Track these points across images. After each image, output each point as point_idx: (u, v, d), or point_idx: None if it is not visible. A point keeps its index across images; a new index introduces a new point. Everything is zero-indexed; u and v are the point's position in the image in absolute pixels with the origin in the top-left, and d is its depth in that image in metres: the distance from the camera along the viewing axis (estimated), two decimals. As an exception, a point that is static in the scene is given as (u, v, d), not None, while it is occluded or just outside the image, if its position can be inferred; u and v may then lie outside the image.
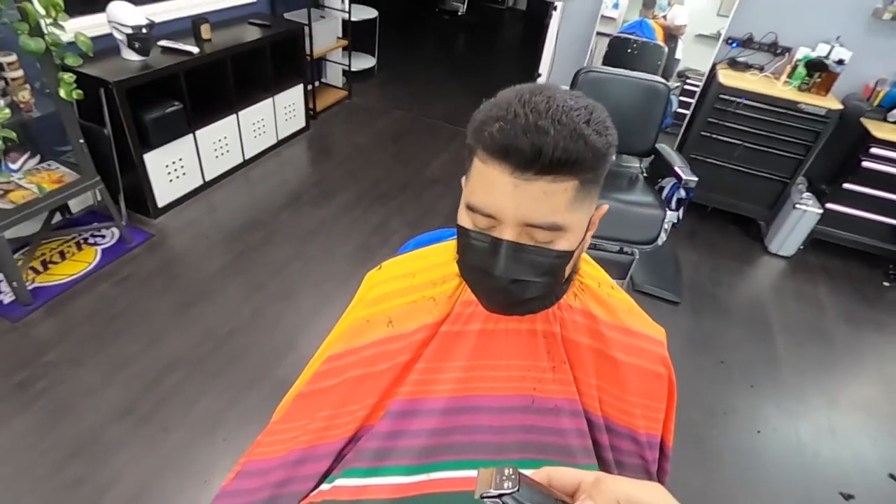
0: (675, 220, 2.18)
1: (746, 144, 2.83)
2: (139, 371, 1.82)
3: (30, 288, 2.03)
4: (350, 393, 0.66)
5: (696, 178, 2.06)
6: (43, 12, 1.69)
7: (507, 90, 0.53)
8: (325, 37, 3.56)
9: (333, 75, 4.08)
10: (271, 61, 2.94)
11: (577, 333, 0.62)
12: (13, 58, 1.83)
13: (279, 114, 3.16)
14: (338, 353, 0.69)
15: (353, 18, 3.75)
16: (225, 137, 2.80)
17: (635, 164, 2.57)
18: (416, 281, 0.68)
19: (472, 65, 5.46)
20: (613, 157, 0.53)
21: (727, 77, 2.78)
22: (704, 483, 1.75)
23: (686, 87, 3.23)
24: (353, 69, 4.01)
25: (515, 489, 0.35)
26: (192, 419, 1.70)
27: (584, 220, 0.53)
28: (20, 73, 1.86)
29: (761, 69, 2.90)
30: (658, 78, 2.24)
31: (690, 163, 2.94)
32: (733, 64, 2.92)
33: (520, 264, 0.51)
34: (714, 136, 2.87)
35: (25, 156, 2.09)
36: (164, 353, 1.89)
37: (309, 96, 3.46)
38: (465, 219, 0.54)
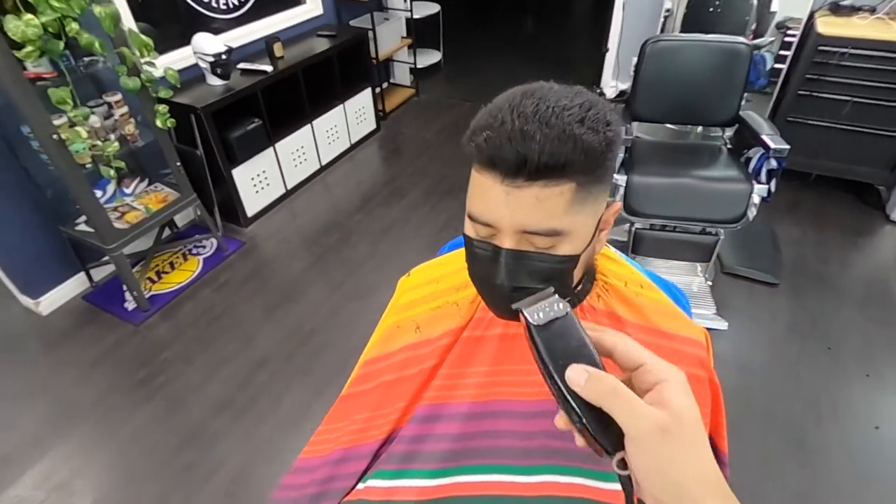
0: (766, 194, 1.97)
1: (857, 100, 2.48)
2: (235, 369, 2.02)
3: (147, 296, 2.32)
4: (384, 396, 0.69)
5: (786, 146, 1.84)
6: (137, 54, 1.91)
7: (503, 94, 0.52)
8: (389, 38, 3.65)
9: (401, 75, 4.18)
10: (339, 69, 3.07)
11: (602, 336, 0.60)
12: (119, 97, 2.09)
13: (350, 119, 3.30)
14: (373, 358, 0.72)
15: (415, 16, 3.81)
16: (302, 147, 2.99)
17: (718, 135, 2.36)
18: (439, 287, 0.69)
19: (541, 46, 5.30)
20: (615, 153, 0.50)
21: (827, 25, 2.44)
22: (808, 484, 1.59)
23: (787, 39, 2.87)
24: (418, 66, 4.07)
25: (538, 324, 0.35)
26: (281, 412, 1.85)
27: (588, 221, 0.51)
28: (125, 109, 2.12)
29: (872, 10, 2.51)
30: (737, 38, 2.03)
31: (787, 127, 2.66)
32: (836, 9, 2.56)
33: (521, 272, 0.50)
34: (815, 93, 2.54)
35: (136, 180, 2.38)
36: (255, 352, 2.08)
37: (377, 98, 3.57)
38: (469, 228, 0.54)
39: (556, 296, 0.36)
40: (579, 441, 0.37)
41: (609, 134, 0.47)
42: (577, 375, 0.35)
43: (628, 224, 2.11)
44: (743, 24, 2.87)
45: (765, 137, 1.91)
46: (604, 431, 0.34)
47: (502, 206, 0.48)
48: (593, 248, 0.55)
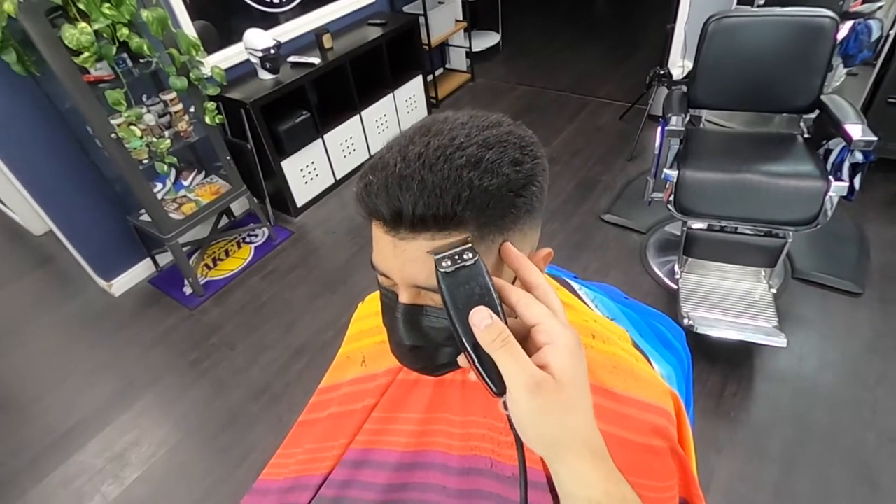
0: (846, 193, 1.71)
1: (981, 76, 2.07)
2: (275, 356, 2.11)
3: (203, 282, 2.48)
4: (330, 429, 0.67)
5: (873, 138, 1.58)
6: (185, 54, 2.00)
7: (410, 126, 0.46)
8: (443, 22, 3.56)
9: (457, 59, 4.08)
10: (389, 57, 3.04)
11: (542, 392, 0.53)
12: (173, 95, 2.20)
13: (400, 107, 3.28)
14: (325, 387, 0.70)
15: (471, -2, 3.69)
16: (351, 137, 3.02)
17: (796, 122, 2.08)
18: (386, 319, 0.65)
19: (607, 24, 4.96)
20: (534, 195, 0.42)
21: (945, -12, 2.05)
22: (872, 529, 1.39)
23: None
24: (474, 49, 3.95)
25: (445, 271, 0.38)
26: (312, 402, 1.91)
27: (497, 274, 0.44)
28: (180, 106, 2.24)
29: None
30: (820, 10, 1.75)
31: (887, 109, 2.30)
32: (960, -34, 2.14)
33: (417, 330, 0.45)
34: (925, 70, 2.16)
35: (194, 173, 2.53)
36: (294, 340, 2.16)
37: (430, 85, 3.52)
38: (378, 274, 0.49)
39: (470, 245, 0.39)
40: (472, 377, 0.40)
41: (515, 176, 0.40)
42: (481, 319, 0.36)
43: (681, 223, 1.93)
44: (843, -12, 2.48)
45: (847, 127, 1.65)
46: (493, 374, 0.37)
47: (391, 259, 0.43)
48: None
